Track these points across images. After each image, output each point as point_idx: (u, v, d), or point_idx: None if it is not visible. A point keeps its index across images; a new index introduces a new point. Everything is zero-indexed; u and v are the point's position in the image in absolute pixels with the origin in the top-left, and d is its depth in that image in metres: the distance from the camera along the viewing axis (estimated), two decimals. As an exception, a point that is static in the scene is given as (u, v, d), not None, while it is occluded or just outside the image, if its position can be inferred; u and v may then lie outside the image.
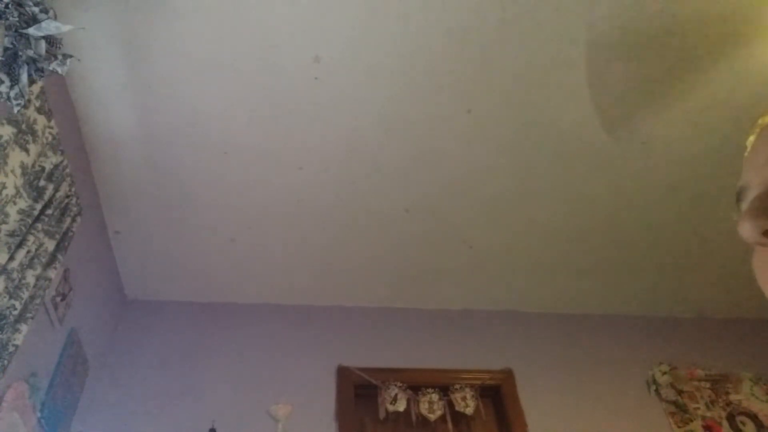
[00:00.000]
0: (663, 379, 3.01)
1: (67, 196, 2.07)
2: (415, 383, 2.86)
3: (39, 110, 1.81)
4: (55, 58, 1.49)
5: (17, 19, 1.36)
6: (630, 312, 3.39)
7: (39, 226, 1.82)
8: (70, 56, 1.53)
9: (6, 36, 1.36)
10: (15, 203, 1.71)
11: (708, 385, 3.06)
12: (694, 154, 2.50)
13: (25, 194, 1.76)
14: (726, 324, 3.43)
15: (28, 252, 1.77)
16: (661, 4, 1.95)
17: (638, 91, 2.25)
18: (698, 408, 2.95)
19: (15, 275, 1.70)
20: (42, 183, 1.87)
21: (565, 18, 1.99)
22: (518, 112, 2.31)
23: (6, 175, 1.64)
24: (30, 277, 1.79)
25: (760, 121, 0.53)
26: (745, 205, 0.50)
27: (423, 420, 2.77)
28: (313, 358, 2.92)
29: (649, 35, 2.05)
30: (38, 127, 1.81)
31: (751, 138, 0.53)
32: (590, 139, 2.41)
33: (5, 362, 1.70)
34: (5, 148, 1.62)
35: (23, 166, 1.73)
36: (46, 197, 1.87)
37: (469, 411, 2.79)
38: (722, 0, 1.94)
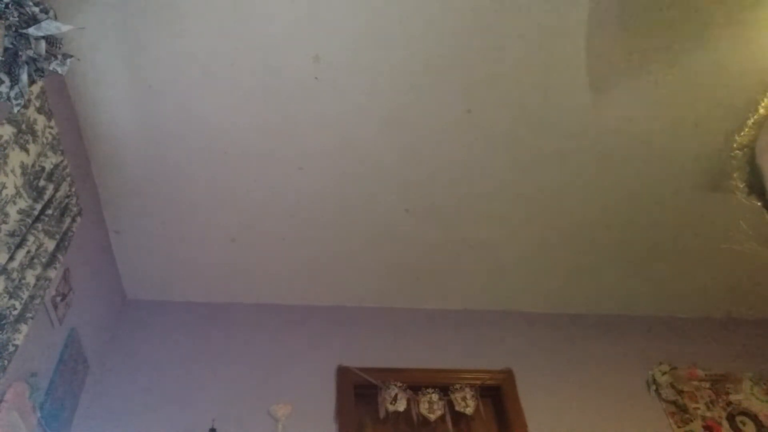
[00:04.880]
0: (663, 379, 3.01)
1: (67, 196, 2.07)
2: (415, 383, 2.86)
3: (39, 110, 1.81)
4: (55, 58, 1.49)
5: (17, 19, 1.36)
6: (630, 312, 3.39)
7: (39, 226, 1.82)
8: (70, 56, 1.53)
9: (6, 36, 1.36)
10: (15, 203, 1.71)
11: (708, 385, 3.06)
12: (696, 155, 2.50)
13: (25, 194, 1.76)
14: (726, 324, 3.42)
15: (28, 252, 1.77)
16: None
17: (639, 90, 2.25)
18: (698, 408, 2.95)
19: (15, 275, 1.70)
20: (42, 183, 1.87)
21: (564, 16, 1.99)
22: (518, 112, 2.31)
23: (6, 175, 1.64)
24: (30, 277, 1.79)
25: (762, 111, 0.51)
26: None
27: (423, 420, 2.77)
28: (312, 358, 2.92)
29: (650, 30, 2.05)
30: (38, 127, 1.81)
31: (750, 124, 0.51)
32: (591, 139, 2.41)
33: (5, 362, 1.70)
34: (5, 148, 1.62)
35: (23, 166, 1.73)
36: (46, 197, 1.87)
37: (469, 411, 2.79)
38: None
